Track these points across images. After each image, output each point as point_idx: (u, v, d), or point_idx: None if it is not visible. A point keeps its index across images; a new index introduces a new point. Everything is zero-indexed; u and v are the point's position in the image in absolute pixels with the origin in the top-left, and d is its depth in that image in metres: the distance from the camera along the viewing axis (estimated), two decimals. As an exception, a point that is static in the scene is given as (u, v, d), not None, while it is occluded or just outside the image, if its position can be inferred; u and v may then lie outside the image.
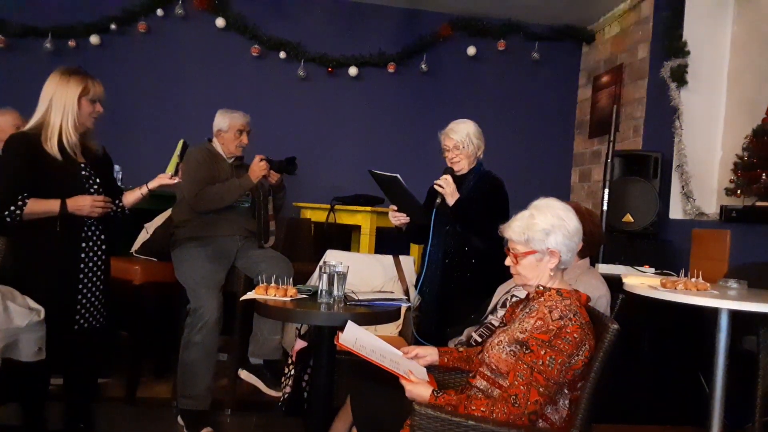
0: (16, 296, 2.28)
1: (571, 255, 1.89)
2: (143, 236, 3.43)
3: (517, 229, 1.89)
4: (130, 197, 2.75)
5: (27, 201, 2.39)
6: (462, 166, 2.97)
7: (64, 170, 2.46)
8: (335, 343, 2.08)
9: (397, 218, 3.00)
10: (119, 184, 3.75)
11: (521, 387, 1.71)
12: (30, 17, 4.65)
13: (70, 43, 4.69)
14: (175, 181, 2.73)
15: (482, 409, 1.73)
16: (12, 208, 2.37)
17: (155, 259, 3.37)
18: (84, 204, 2.46)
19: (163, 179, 2.71)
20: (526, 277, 1.92)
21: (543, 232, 1.85)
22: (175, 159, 2.72)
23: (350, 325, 2.13)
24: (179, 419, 2.98)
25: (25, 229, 2.43)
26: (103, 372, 3.51)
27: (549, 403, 1.77)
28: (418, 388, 1.84)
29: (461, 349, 2.10)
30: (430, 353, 2.11)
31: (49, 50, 4.63)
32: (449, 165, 2.99)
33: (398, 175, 2.79)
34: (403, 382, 1.87)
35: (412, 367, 1.98)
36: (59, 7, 4.71)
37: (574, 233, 1.88)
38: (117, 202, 2.74)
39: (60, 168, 2.45)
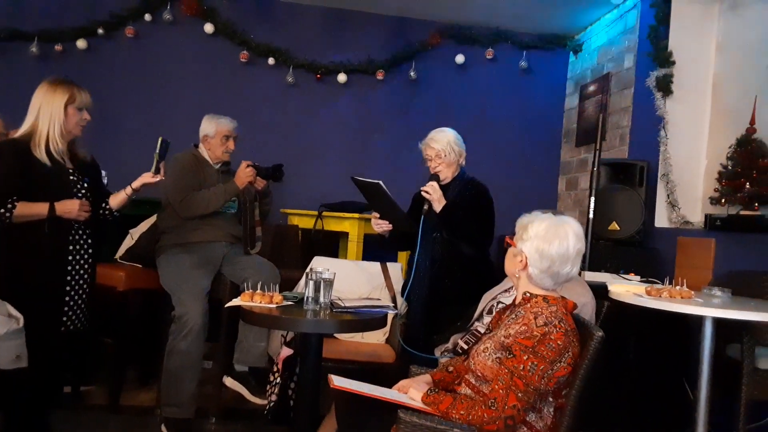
0: (-4, 303, 2.27)
1: (538, 272, 1.86)
2: (128, 242, 3.41)
3: (523, 220, 1.94)
4: (116, 199, 2.84)
5: (16, 204, 2.47)
6: (445, 174, 2.96)
7: (53, 175, 2.55)
8: (330, 387, 1.99)
9: (380, 225, 2.99)
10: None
11: (500, 391, 1.73)
12: (16, 21, 4.62)
13: (56, 47, 4.66)
14: (158, 179, 2.80)
15: (461, 412, 1.75)
16: (2, 210, 2.45)
17: (140, 266, 3.35)
18: (72, 208, 2.55)
19: (146, 178, 2.80)
20: (506, 266, 1.98)
21: (527, 233, 1.88)
22: (156, 157, 2.79)
23: (338, 378, 2.03)
24: (163, 427, 2.94)
25: (14, 231, 2.51)
26: (87, 378, 3.49)
27: (530, 409, 1.77)
28: (413, 393, 1.91)
29: (451, 368, 2.09)
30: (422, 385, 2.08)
31: (35, 54, 4.60)
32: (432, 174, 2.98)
33: (380, 182, 2.78)
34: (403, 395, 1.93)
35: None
36: (46, 11, 4.68)
37: (548, 256, 1.84)
38: (104, 205, 2.81)
39: (49, 173, 2.53)
